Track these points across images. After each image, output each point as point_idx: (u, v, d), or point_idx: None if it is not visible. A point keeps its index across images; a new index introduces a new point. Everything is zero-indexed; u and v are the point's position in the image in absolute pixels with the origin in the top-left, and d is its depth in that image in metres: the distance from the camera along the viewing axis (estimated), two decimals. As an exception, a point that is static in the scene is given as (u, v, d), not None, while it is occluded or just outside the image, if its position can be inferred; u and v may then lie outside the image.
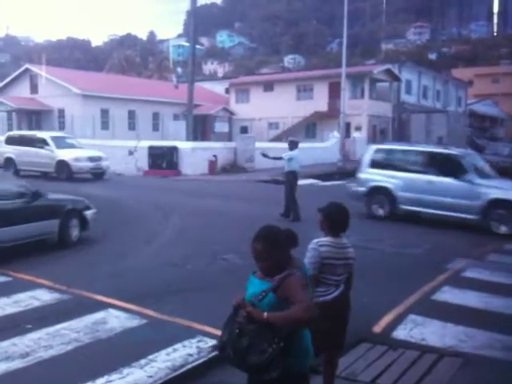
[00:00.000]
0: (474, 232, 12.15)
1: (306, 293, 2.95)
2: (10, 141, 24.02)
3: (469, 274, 8.61)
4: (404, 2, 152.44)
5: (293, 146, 13.88)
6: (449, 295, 7.39)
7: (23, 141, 23.59)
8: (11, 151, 23.31)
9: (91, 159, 22.39)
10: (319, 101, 43.37)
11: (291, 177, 13.52)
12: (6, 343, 5.33)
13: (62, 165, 21.90)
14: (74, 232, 10.34)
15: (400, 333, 6.01)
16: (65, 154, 22.08)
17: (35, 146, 22.69)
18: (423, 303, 7.05)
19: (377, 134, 44.59)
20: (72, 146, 23.21)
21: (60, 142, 22.97)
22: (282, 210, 13.39)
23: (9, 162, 23.25)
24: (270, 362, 2.86)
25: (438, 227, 12.75)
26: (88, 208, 10.76)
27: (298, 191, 13.68)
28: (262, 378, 2.92)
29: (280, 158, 14.07)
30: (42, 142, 22.66)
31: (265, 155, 14.81)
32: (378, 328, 6.15)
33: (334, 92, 39.15)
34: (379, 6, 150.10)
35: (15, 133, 26.80)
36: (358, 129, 41.83)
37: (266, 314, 2.89)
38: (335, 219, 4.28)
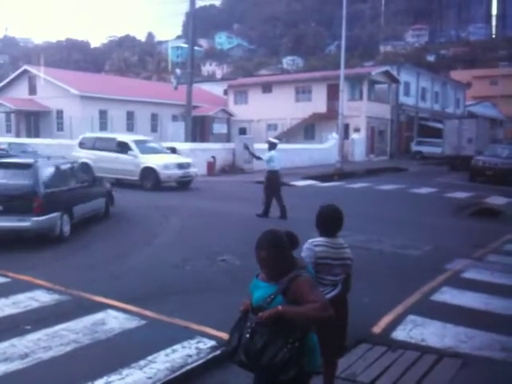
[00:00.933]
0: (473, 233, 12.15)
1: (318, 292, 2.95)
2: (85, 144, 21.38)
3: (468, 274, 8.61)
4: (402, 4, 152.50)
5: (272, 146, 14.22)
6: (448, 296, 7.39)
7: (100, 144, 20.93)
8: (87, 156, 20.21)
9: (180, 166, 19.96)
10: (318, 102, 43.41)
11: (273, 176, 13.81)
12: (5, 344, 5.32)
13: (149, 172, 19.31)
14: (109, 207, 13.59)
15: (399, 333, 6.00)
16: (151, 161, 19.53)
17: (115, 151, 19.93)
18: (423, 304, 7.04)
19: (375, 136, 44.67)
20: (156, 151, 20.81)
21: (143, 147, 20.45)
22: (261, 209, 13.65)
23: None
24: (285, 361, 2.86)
25: (438, 228, 12.75)
26: (112, 189, 14.31)
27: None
28: (279, 378, 2.91)
29: (260, 158, 14.44)
30: (124, 147, 20.08)
31: (247, 148, 15.06)
32: (377, 329, 6.14)
33: (333, 94, 39.18)
34: (378, 8, 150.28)
35: (90, 135, 23.72)
36: (357, 130, 41.90)
37: (280, 307, 2.88)
38: (325, 219, 4.29)
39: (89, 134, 24.21)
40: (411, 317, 6.48)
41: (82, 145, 21.54)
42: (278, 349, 2.86)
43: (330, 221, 4.29)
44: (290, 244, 3.14)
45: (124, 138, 21.40)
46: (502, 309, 6.89)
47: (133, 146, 20.09)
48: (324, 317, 2.86)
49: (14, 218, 9.61)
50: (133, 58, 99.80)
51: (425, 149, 43.86)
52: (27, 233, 9.98)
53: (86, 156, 20.21)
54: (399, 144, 47.60)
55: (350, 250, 4.36)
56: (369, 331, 6.02)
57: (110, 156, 19.93)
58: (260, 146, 28.37)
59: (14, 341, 5.41)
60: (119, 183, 19.45)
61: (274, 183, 13.75)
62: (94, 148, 20.88)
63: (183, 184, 20.33)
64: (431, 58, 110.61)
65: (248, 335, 2.95)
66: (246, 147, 15.19)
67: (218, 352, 5.15)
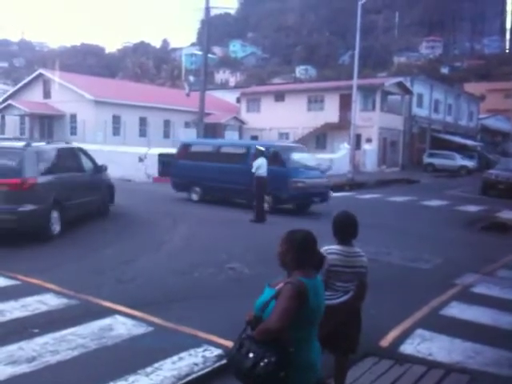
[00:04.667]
0: (484, 247, 12.06)
1: (286, 304, 2.93)
2: None
3: (478, 289, 8.54)
4: (417, 16, 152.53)
5: (259, 154, 15.05)
6: (457, 310, 7.33)
7: None
8: None
9: None
10: (330, 112, 43.41)
11: (261, 182, 14.66)
12: (12, 347, 5.34)
13: None
14: None
15: (407, 347, 5.96)
16: None
17: None
18: (431, 318, 6.99)
19: (387, 147, 44.55)
20: None
21: None
22: (254, 215, 14.49)
23: None
24: (262, 375, 2.88)
25: (449, 242, 12.67)
26: None
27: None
28: None
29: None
30: None
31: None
32: (385, 342, 6.11)
33: (345, 104, 39.17)
34: (392, 19, 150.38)
35: None
36: (369, 141, 41.81)
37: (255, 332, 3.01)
38: (338, 226, 4.40)
39: None
40: (419, 331, 6.44)
41: None
42: (257, 361, 2.89)
43: (343, 227, 4.39)
44: (314, 260, 3.14)
45: None
46: (511, 325, 6.83)
47: None
48: (271, 328, 2.89)
49: None
50: (148, 64, 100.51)
51: (437, 161, 43.67)
52: None
53: None
54: (411, 155, 47.45)
55: (366, 258, 4.45)
56: (376, 344, 5.98)
57: None
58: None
59: (22, 344, 5.43)
60: None
61: (261, 189, 14.65)
62: None
63: None
64: (445, 70, 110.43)
65: (237, 346, 3.03)
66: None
67: (225, 361, 5.15)
